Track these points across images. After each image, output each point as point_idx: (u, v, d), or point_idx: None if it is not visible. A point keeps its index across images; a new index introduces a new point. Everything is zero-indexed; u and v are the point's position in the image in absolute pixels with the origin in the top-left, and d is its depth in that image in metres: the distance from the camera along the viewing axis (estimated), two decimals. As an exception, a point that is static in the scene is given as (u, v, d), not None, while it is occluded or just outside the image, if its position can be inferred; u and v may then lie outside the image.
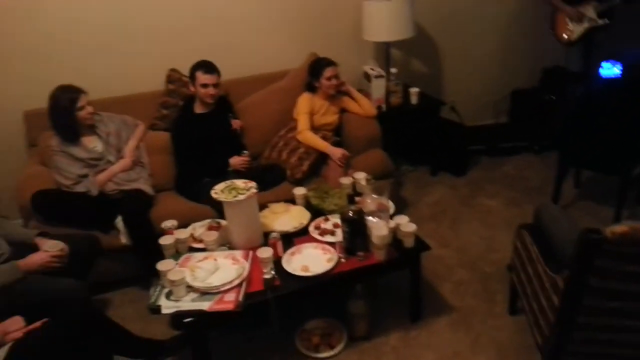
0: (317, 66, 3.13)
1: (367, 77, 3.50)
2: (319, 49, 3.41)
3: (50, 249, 2.22)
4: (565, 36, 3.72)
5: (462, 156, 3.79)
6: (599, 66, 3.54)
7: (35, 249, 2.24)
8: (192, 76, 2.89)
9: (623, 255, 1.62)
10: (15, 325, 1.89)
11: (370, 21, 3.43)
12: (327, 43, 3.55)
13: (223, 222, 2.42)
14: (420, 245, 2.30)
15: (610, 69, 3.51)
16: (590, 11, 3.59)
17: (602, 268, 1.65)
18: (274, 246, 2.19)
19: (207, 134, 2.92)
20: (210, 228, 2.42)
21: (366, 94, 3.43)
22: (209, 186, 2.31)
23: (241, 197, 2.17)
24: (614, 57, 3.50)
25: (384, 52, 3.66)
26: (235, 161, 2.93)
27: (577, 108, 3.16)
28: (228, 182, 2.28)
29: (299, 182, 2.91)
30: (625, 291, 1.69)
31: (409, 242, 2.26)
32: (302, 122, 3.05)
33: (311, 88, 3.16)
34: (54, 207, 2.59)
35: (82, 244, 2.40)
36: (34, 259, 2.16)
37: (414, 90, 3.57)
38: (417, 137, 3.79)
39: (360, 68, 3.63)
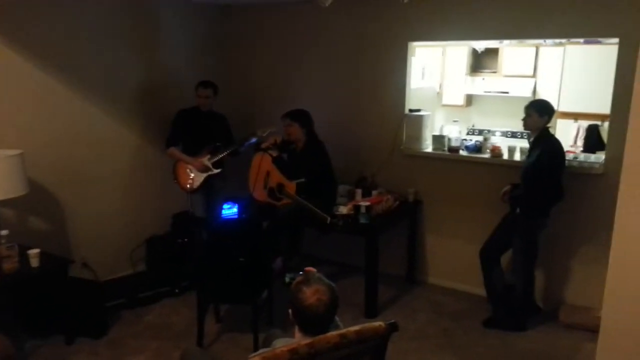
0: None
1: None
2: None
3: None
4: (188, 185, 4.07)
5: (100, 315, 3.46)
6: (221, 208, 3.98)
7: None
8: None
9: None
10: None
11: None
12: None
13: None
14: None
15: (230, 210, 3.99)
16: (206, 162, 4.07)
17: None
18: None
19: None
20: None
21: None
22: None
23: None
24: (232, 199, 4.01)
25: (-12, 212, 3.16)
26: None
27: (204, 248, 3.39)
28: None
29: None
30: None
31: None
32: None
33: None
34: None
35: None
36: None
37: (33, 252, 3.16)
38: (44, 304, 3.31)
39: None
